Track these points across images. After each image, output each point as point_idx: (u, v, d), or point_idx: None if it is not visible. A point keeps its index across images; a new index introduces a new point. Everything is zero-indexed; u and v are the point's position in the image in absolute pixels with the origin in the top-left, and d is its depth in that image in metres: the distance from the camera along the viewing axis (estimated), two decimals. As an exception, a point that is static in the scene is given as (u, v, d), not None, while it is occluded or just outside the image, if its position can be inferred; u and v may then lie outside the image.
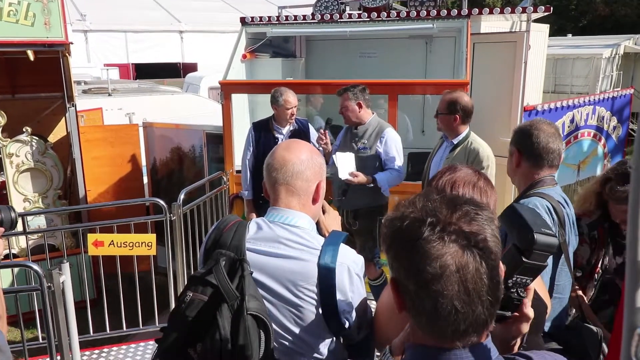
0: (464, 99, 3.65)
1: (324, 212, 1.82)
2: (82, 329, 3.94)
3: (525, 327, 1.19)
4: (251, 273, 1.49)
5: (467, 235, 0.95)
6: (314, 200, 1.67)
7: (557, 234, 2.02)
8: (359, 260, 1.60)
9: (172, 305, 4.38)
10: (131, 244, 3.76)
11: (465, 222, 0.96)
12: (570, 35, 15.60)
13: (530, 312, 1.17)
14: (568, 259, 2.15)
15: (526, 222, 1.14)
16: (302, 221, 1.61)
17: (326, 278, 1.50)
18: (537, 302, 1.51)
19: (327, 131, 4.40)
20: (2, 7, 4.66)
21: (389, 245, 1.02)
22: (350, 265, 1.55)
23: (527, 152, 2.20)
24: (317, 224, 1.75)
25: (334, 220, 1.85)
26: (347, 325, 1.57)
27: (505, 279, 1.11)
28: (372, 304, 1.74)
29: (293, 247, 1.55)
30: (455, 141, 3.70)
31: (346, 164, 3.96)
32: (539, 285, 1.59)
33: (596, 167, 5.95)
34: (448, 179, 1.60)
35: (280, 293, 1.53)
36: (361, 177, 3.95)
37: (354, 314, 1.57)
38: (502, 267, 1.01)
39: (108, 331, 4.29)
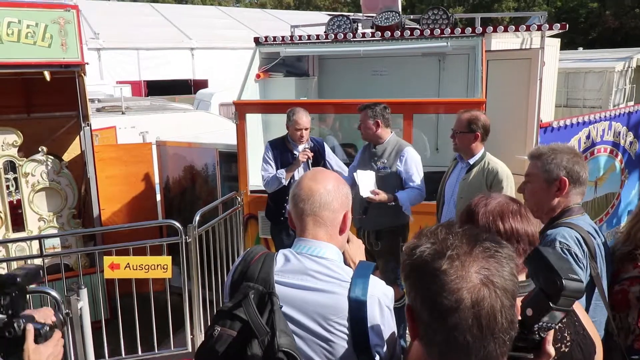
0: (482, 116, 3.66)
1: (347, 241, 1.80)
2: (97, 352, 3.92)
3: None
4: (281, 307, 1.46)
5: (485, 272, 0.97)
6: (341, 231, 1.65)
7: (588, 267, 1.96)
8: (389, 292, 1.58)
9: (187, 326, 4.36)
10: (147, 267, 3.75)
11: (484, 259, 0.98)
12: (581, 49, 15.55)
13: (551, 350, 1.17)
14: (603, 293, 2.05)
15: (553, 267, 1.15)
16: (330, 252, 1.60)
17: (357, 311, 1.48)
18: (586, 341, 1.47)
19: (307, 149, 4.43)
20: (20, 30, 4.73)
21: (408, 273, 1.05)
22: (380, 297, 1.53)
23: (574, 181, 2.12)
24: (342, 253, 1.73)
25: (358, 250, 1.83)
26: (377, 358, 1.54)
27: (532, 323, 1.14)
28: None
29: (322, 279, 1.53)
30: (471, 161, 3.67)
31: (367, 182, 3.95)
32: (587, 323, 1.54)
33: (613, 184, 5.88)
34: (492, 210, 1.58)
35: (310, 327, 1.50)
36: (382, 195, 3.92)
37: (384, 347, 1.54)
38: (517, 306, 1.03)
39: (123, 355, 4.27)
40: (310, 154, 4.40)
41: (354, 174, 4.03)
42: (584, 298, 1.97)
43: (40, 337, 1.43)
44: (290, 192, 1.67)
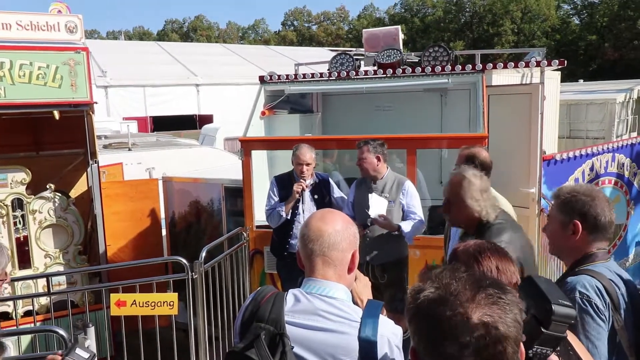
0: (482, 153, 3.69)
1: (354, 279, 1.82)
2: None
3: None
4: (292, 348, 1.48)
5: (488, 319, 0.97)
6: (349, 270, 1.68)
7: (610, 319, 1.86)
8: (398, 331, 1.60)
9: (193, 363, 4.31)
10: (153, 304, 3.75)
11: (487, 305, 0.99)
12: (581, 81, 15.76)
13: None
14: (629, 347, 1.88)
15: (543, 294, 1.19)
16: (339, 292, 1.62)
17: (368, 351, 1.50)
18: None
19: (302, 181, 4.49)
20: (31, 71, 4.85)
21: (411, 317, 1.06)
22: (390, 337, 1.55)
23: (591, 225, 2.00)
24: (350, 292, 1.75)
25: (365, 288, 1.85)
26: None
27: (526, 349, 1.13)
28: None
29: (332, 319, 1.55)
30: None
31: (379, 206, 4.10)
32: (582, 352, 1.54)
33: (620, 215, 5.87)
34: (469, 249, 1.67)
35: None
36: (388, 222, 4.08)
37: None
38: (522, 352, 1.03)
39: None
40: (305, 185, 4.47)
41: (369, 195, 4.16)
42: (606, 350, 1.86)
43: None
44: (299, 232, 1.70)
